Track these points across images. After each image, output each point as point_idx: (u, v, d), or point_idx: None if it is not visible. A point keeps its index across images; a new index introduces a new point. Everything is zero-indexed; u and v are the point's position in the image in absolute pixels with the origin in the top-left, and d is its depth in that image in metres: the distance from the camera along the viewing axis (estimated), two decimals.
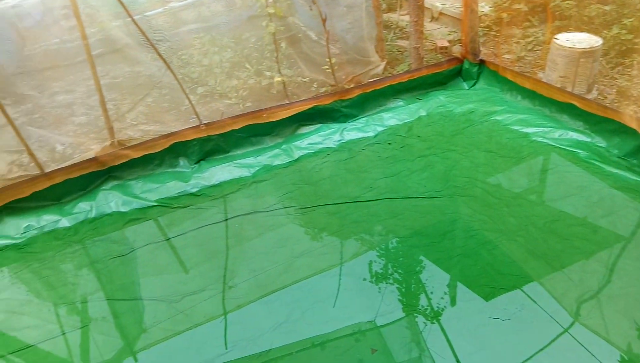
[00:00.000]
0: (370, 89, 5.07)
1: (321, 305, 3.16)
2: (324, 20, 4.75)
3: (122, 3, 4.11)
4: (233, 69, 6.35)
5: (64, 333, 3.23)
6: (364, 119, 5.05)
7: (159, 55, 4.33)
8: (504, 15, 6.46)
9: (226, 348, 2.95)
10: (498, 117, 4.89)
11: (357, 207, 4.00)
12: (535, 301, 3.04)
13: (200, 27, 6.94)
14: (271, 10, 4.96)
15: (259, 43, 6.45)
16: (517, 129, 4.70)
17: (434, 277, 3.30)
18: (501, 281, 3.19)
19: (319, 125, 4.95)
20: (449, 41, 6.44)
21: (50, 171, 4.19)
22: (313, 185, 4.31)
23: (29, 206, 4.17)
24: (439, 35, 6.77)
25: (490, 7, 6.80)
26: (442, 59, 5.76)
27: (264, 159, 4.62)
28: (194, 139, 4.52)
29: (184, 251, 3.83)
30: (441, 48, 6.29)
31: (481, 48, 5.66)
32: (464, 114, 5.03)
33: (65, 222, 4.13)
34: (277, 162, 4.60)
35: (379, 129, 4.92)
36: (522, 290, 3.13)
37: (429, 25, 7.02)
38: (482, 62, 5.43)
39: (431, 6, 7.21)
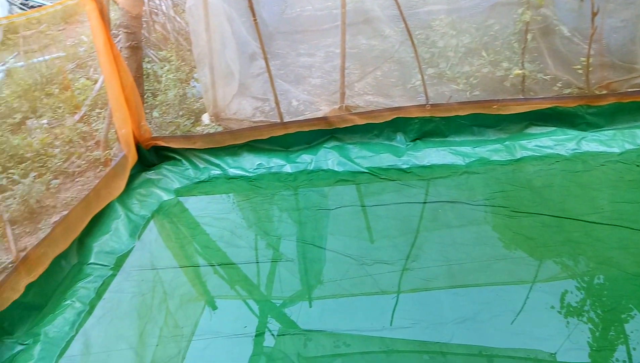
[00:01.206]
0: (628, 100, 4.34)
1: (511, 315, 2.94)
2: (595, 14, 4.17)
3: None
4: (467, 55, 6.14)
5: (257, 262, 3.67)
6: (610, 132, 4.38)
7: (408, 31, 4.40)
8: None
9: (391, 324, 2.97)
10: None
11: (576, 226, 3.54)
12: None
13: (443, 9, 6.84)
14: None
15: (501, 32, 6.08)
16: None
17: None
18: None
19: (553, 128, 4.47)
20: None
21: (288, 122, 4.73)
22: (531, 190, 3.96)
23: (264, 148, 4.79)
24: None
25: None
26: None
27: (482, 151, 4.41)
28: (416, 118, 4.56)
29: (382, 221, 3.94)
30: None
31: None
32: None
33: (288, 168, 4.65)
34: (495, 157, 4.35)
35: (628, 146, 4.22)
36: None
37: None
38: None
39: None
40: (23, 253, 3.61)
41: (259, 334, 3.01)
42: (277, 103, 4.69)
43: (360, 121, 4.59)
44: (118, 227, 3.98)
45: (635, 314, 2.88)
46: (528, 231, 3.57)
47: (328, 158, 4.63)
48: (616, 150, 4.22)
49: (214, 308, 3.30)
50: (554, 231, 3.53)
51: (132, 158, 4.44)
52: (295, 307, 3.21)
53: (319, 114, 5.05)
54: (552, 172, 4.11)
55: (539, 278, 3.22)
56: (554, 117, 4.45)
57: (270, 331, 3.04)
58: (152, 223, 4.20)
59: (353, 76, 6.53)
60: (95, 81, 7.01)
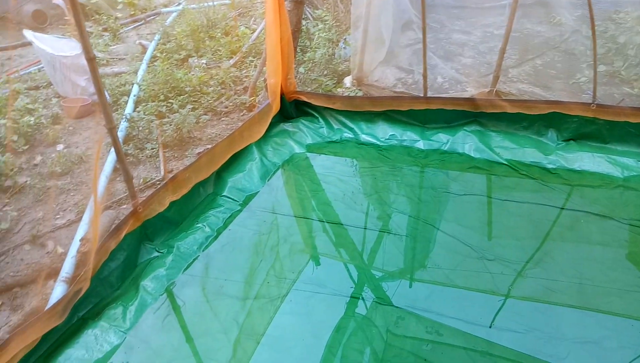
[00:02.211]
0: None
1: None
2: None
3: None
4: None
5: (365, 228, 3.65)
6: None
7: (592, 20, 3.91)
8: None
9: (490, 326, 2.80)
10: None
11: None
12: None
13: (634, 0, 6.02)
14: None
15: None
16: None
17: None
18: None
19: None
20: None
21: (431, 97, 4.56)
22: None
23: (400, 120, 4.69)
24: None
25: None
26: None
27: None
28: (575, 116, 4.10)
29: (511, 218, 3.69)
30: None
31: None
32: None
33: (421, 144, 4.53)
34: None
35: None
36: None
37: None
38: None
39: None
40: (170, 174, 4.04)
41: (353, 300, 3.03)
42: (424, 76, 4.54)
43: (511, 109, 4.25)
44: (252, 169, 4.24)
45: None
46: None
47: (466, 141, 4.40)
48: None
49: (317, 264, 3.39)
50: None
51: (276, 107, 4.66)
52: (393, 283, 3.17)
53: (465, 95, 4.80)
54: None
55: None
56: None
57: (364, 300, 3.04)
58: (280, 171, 4.42)
59: (509, 61, 6.08)
60: (253, 31, 7.43)
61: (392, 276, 3.24)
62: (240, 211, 3.88)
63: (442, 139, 4.49)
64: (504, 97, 4.43)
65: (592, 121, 4.06)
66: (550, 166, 4.04)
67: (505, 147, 4.27)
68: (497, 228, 3.63)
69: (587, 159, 4.01)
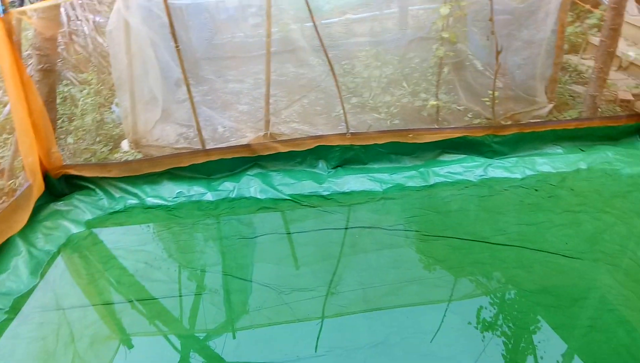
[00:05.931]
0: (529, 130, 4.71)
1: (421, 336, 3.04)
2: (499, 53, 4.51)
3: (310, 10, 4.37)
4: (389, 86, 6.41)
5: (181, 295, 3.57)
6: (513, 159, 4.71)
7: (329, 62, 4.53)
8: None
9: (316, 351, 2.98)
10: None
11: (483, 248, 3.75)
12: None
13: (369, 40, 7.14)
14: (445, 35, 4.89)
15: (421, 65, 6.42)
16: None
17: (549, 342, 2.97)
18: None
19: (463, 156, 4.75)
20: (634, 95, 5.68)
21: (210, 149, 4.67)
22: (442, 214, 4.16)
23: (185, 176, 4.69)
24: (624, 86, 6.01)
25: None
26: (621, 113, 5.12)
27: (399, 178, 4.58)
28: (337, 146, 4.66)
29: (302, 248, 3.97)
30: (622, 101, 5.57)
31: None
32: (633, 176, 4.41)
33: (209, 196, 4.57)
34: (410, 184, 4.52)
35: (528, 172, 4.55)
36: None
37: (613, 75, 6.27)
38: None
39: (622, 55, 6.43)
40: None
41: None
42: (199, 130, 4.63)
43: (284, 149, 4.62)
44: (17, 265, 3.67)
45: (542, 326, 3.09)
46: (438, 254, 3.73)
47: (250, 185, 4.61)
48: (518, 176, 4.53)
49: (130, 346, 3.14)
50: (463, 253, 3.72)
51: (38, 188, 4.17)
52: (220, 339, 3.15)
53: (244, 141, 5.04)
54: (461, 197, 4.34)
55: (449, 299, 3.36)
56: (464, 146, 4.72)
57: None
58: (58, 258, 3.94)
59: (280, 103, 6.59)
60: (5, 104, 6.60)
61: (216, 333, 3.21)
62: (9, 320, 3.29)
63: (228, 187, 4.61)
64: (277, 139, 4.78)
65: (350, 148, 4.68)
66: (325, 193, 4.49)
67: (286, 183, 4.61)
68: (293, 261, 3.86)
69: (353, 181, 4.58)
